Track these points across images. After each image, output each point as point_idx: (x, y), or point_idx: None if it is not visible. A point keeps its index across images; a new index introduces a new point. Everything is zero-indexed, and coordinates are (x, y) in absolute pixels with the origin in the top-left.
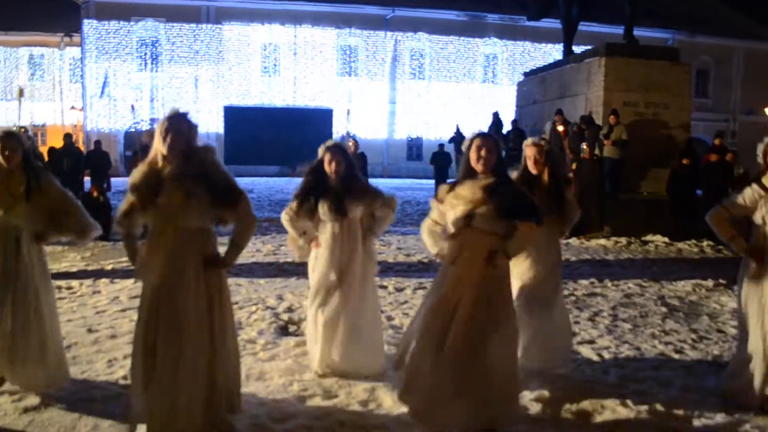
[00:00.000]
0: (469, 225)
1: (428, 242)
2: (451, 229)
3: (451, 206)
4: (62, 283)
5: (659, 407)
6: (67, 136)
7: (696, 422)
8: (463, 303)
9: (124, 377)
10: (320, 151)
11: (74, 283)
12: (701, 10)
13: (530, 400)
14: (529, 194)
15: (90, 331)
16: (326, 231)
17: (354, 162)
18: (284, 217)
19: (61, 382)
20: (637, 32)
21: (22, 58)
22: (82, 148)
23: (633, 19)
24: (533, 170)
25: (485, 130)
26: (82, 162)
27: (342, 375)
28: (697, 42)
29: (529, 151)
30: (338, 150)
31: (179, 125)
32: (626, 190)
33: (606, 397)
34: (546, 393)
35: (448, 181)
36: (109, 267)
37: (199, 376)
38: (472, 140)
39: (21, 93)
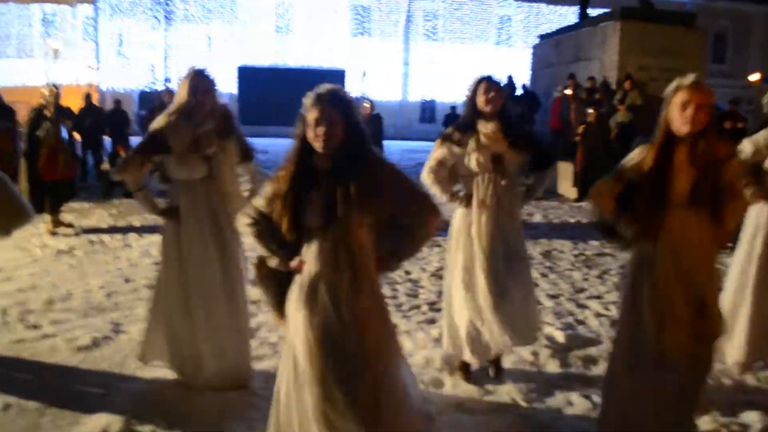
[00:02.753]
0: (498, 168)
1: (437, 188)
2: (477, 170)
3: (477, 149)
4: (94, 237)
5: None
6: (87, 97)
7: None
8: (500, 238)
9: None
10: (305, 105)
11: (105, 237)
12: None
13: (540, 345)
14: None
15: (127, 281)
16: (311, 247)
17: (362, 124)
18: (245, 228)
19: None
20: None
21: (35, 15)
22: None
23: None
24: (686, 127)
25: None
26: (102, 122)
27: None
28: (716, 5)
29: (681, 95)
30: (331, 102)
31: (207, 82)
32: None
33: (611, 345)
34: (556, 339)
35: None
36: (137, 223)
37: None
38: (478, 83)
39: (56, 53)
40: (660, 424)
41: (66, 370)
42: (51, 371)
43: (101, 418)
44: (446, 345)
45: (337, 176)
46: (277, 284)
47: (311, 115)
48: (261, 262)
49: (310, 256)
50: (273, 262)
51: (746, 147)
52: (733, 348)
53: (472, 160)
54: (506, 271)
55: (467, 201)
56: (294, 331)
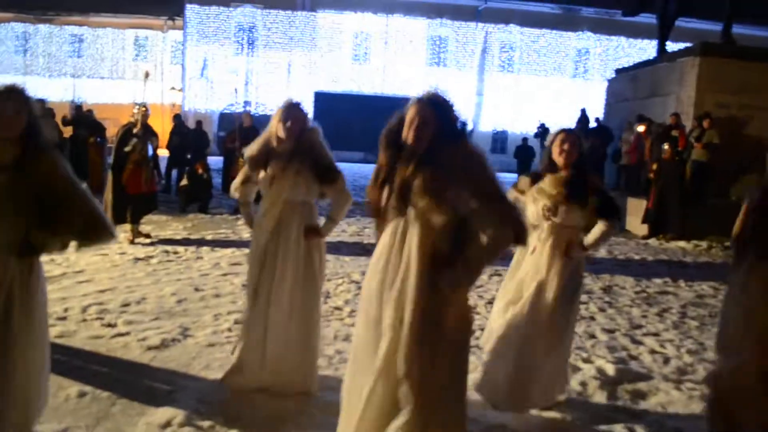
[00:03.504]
0: (551, 218)
1: None
2: (533, 221)
3: (533, 200)
4: (169, 248)
5: None
6: (176, 117)
7: None
8: (546, 290)
9: (229, 329)
10: (408, 105)
11: (180, 248)
12: None
13: (590, 377)
14: None
15: (197, 290)
16: (387, 229)
17: (456, 124)
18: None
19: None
20: (740, 30)
21: (129, 39)
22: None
23: (731, 19)
24: None
25: (572, 125)
26: (187, 142)
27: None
28: None
29: None
30: (428, 104)
31: (298, 113)
32: (715, 194)
33: (662, 381)
34: (606, 372)
35: (530, 172)
36: (209, 237)
37: (288, 328)
38: (556, 135)
39: (147, 75)
40: None
41: (137, 366)
42: (123, 366)
43: (166, 412)
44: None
45: (417, 165)
46: None
47: (409, 113)
48: None
49: (386, 233)
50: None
51: None
52: None
53: (529, 210)
54: (542, 327)
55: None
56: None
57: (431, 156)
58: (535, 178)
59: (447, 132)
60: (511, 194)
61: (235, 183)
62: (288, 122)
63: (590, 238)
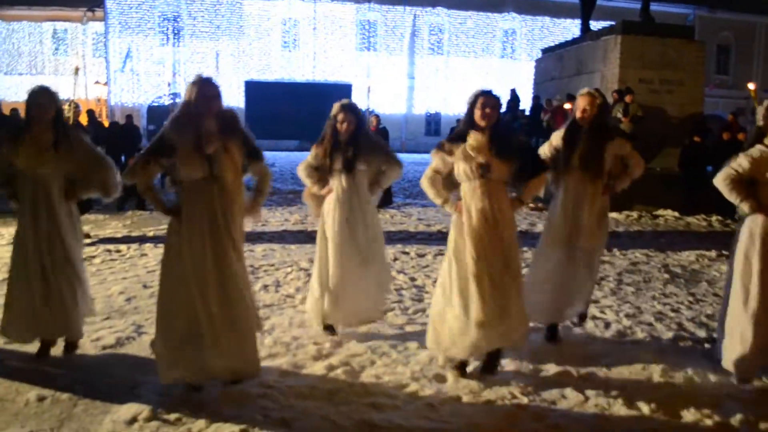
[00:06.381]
0: (485, 175)
1: (431, 192)
2: (465, 178)
3: (464, 159)
4: (111, 247)
5: (652, 353)
6: (90, 112)
7: (681, 372)
8: (492, 243)
9: None
10: (334, 108)
11: (122, 247)
12: None
13: (540, 344)
14: (573, 146)
15: (145, 287)
16: (336, 182)
17: (363, 120)
18: (301, 168)
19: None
20: (657, 8)
21: (46, 33)
22: (106, 122)
23: None
24: (580, 121)
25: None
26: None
27: (346, 324)
28: (718, 17)
29: (581, 101)
30: (349, 110)
31: (212, 89)
32: None
33: (606, 344)
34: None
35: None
36: (151, 233)
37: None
38: (477, 96)
39: (77, 71)
40: None
41: (94, 366)
42: (80, 368)
43: (131, 408)
44: (431, 344)
45: (352, 146)
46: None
47: (339, 117)
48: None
49: (336, 185)
50: (314, 189)
51: (743, 162)
52: (734, 356)
53: (459, 169)
54: (499, 279)
55: (458, 207)
56: (328, 220)
57: (357, 139)
58: (458, 139)
59: (361, 124)
60: (435, 158)
61: (134, 170)
62: (206, 98)
63: (526, 192)
